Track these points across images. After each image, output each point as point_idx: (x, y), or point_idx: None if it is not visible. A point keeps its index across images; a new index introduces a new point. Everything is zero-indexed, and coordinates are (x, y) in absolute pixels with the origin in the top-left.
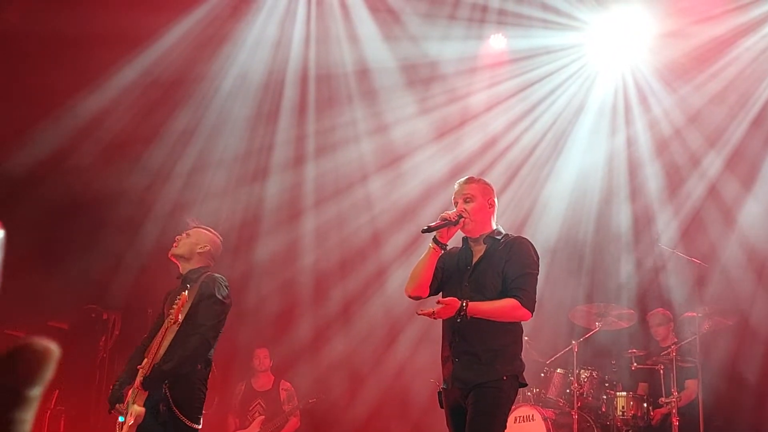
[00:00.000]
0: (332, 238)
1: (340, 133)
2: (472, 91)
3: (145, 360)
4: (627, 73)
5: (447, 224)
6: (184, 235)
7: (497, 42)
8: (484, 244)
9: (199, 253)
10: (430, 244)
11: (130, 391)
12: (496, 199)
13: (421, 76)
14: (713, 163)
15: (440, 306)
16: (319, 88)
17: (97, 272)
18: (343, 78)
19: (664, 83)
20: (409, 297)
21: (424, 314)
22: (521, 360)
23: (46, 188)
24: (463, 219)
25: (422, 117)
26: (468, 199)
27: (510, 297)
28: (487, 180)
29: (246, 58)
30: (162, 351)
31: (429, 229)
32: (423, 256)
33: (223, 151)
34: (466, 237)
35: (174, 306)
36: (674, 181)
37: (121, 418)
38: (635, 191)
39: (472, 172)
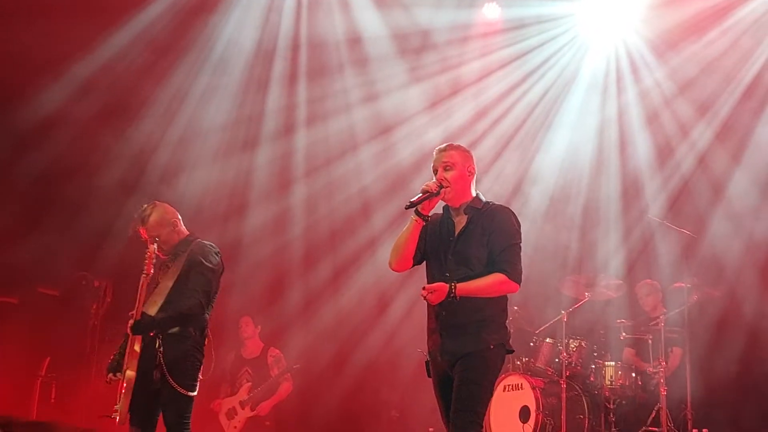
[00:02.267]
0: (322, 208)
1: (331, 102)
2: (465, 60)
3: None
4: (619, 44)
5: (429, 196)
6: (150, 240)
7: (490, 11)
8: (465, 214)
9: (175, 232)
10: (412, 216)
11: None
12: (475, 166)
13: (413, 45)
14: (703, 134)
15: (430, 294)
16: (310, 57)
17: (88, 239)
18: (335, 46)
19: (656, 54)
20: (393, 270)
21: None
22: (507, 328)
23: (36, 155)
24: (444, 189)
25: (414, 86)
26: (448, 167)
27: (497, 272)
28: (468, 148)
29: (236, 25)
30: (141, 306)
31: (411, 205)
32: (405, 228)
33: (213, 119)
34: (447, 206)
35: (145, 261)
36: (664, 152)
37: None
38: (625, 162)
39: (464, 141)
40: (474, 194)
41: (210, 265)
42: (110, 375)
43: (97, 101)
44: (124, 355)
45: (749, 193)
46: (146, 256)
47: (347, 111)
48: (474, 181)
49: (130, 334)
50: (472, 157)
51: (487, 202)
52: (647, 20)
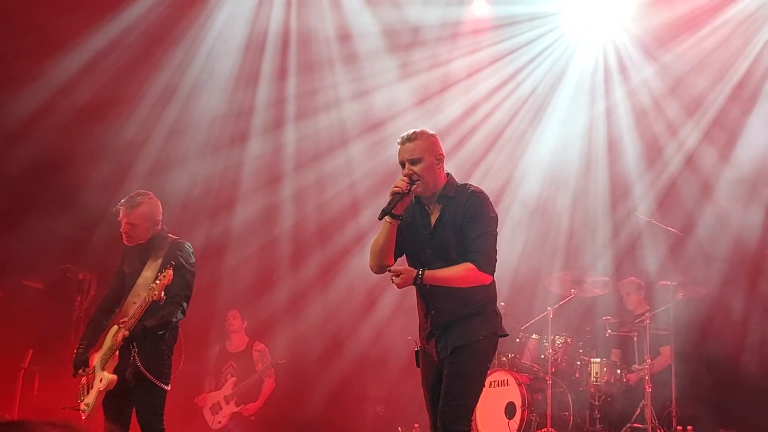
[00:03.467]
0: (312, 203)
1: (321, 97)
2: (454, 57)
3: (124, 320)
4: (608, 42)
5: (401, 198)
6: (126, 225)
7: (479, 8)
8: (439, 203)
9: (153, 228)
10: (386, 219)
11: (95, 355)
12: (442, 148)
13: (402, 41)
14: (691, 133)
15: (396, 278)
16: (300, 52)
17: (73, 232)
18: (325, 42)
19: (645, 52)
20: (376, 273)
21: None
22: (498, 314)
23: (23, 147)
24: (414, 185)
25: (403, 82)
26: (415, 161)
27: (467, 261)
28: (433, 131)
29: (226, 19)
30: (134, 319)
31: (384, 213)
32: (381, 231)
33: (202, 113)
34: (419, 196)
35: (157, 282)
36: (652, 150)
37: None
38: (614, 159)
39: (453, 138)
40: (446, 179)
41: (191, 268)
42: (81, 370)
43: (84, 95)
44: (89, 349)
45: (737, 192)
46: (160, 278)
47: (337, 106)
48: (443, 162)
49: (122, 343)
50: (437, 140)
51: (460, 186)
52: (636, 18)
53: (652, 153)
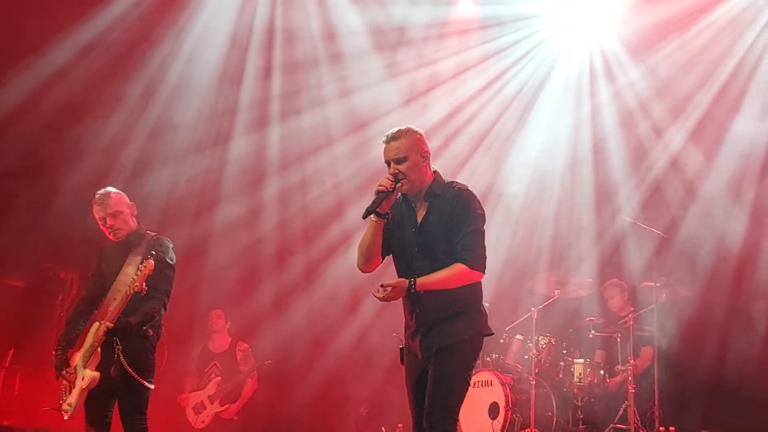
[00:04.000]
0: (296, 203)
1: (306, 96)
2: (440, 57)
3: (105, 317)
4: (594, 43)
5: (386, 196)
6: (108, 219)
7: (466, 8)
8: (425, 201)
9: (132, 217)
10: (372, 217)
11: (76, 355)
12: (428, 145)
13: (388, 41)
14: (677, 135)
15: (389, 291)
16: (284, 51)
17: (55, 231)
18: (310, 41)
19: (631, 54)
20: (364, 272)
21: (377, 297)
22: (483, 312)
23: (3, 148)
24: (400, 183)
25: (389, 82)
26: (400, 160)
27: (458, 261)
28: (419, 129)
29: (210, 16)
30: (116, 312)
31: (369, 212)
32: (367, 230)
33: (184, 113)
34: (405, 194)
35: (138, 273)
36: (638, 152)
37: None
38: (599, 161)
39: (439, 138)
40: (433, 176)
41: (172, 263)
42: (63, 371)
43: (65, 94)
44: (68, 350)
45: (722, 194)
46: (140, 269)
47: (322, 106)
48: (430, 159)
49: (104, 337)
50: (422, 137)
51: (447, 183)
52: (623, 20)
53: (638, 155)
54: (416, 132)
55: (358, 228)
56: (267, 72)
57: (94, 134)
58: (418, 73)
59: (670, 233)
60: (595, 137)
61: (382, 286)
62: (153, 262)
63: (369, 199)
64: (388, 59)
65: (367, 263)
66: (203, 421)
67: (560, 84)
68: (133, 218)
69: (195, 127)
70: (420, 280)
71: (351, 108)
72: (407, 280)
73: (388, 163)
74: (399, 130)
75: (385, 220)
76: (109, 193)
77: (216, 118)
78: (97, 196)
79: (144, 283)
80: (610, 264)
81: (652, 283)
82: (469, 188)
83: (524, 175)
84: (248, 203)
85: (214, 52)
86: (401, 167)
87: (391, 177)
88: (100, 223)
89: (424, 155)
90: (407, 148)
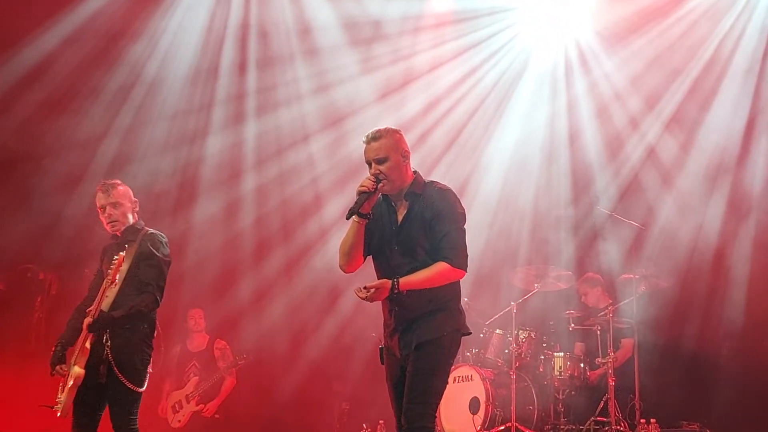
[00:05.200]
0: (274, 198)
1: (282, 92)
2: (416, 51)
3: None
4: (569, 35)
5: (368, 197)
6: (108, 208)
7: (441, 1)
8: (406, 200)
9: (133, 212)
10: (354, 218)
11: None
12: (407, 145)
13: (363, 36)
14: (653, 126)
15: (372, 292)
16: (260, 46)
17: (33, 231)
18: (285, 36)
19: (606, 46)
20: (346, 272)
21: (360, 297)
22: (461, 311)
23: None
24: (380, 185)
25: (365, 77)
26: (381, 160)
27: (440, 260)
28: (398, 128)
29: (186, 13)
30: (104, 308)
31: (352, 213)
32: (348, 230)
33: (161, 108)
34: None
35: (111, 267)
36: (614, 143)
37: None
38: (575, 153)
39: (415, 133)
40: (413, 176)
41: (163, 257)
42: (57, 367)
43: (43, 89)
44: (66, 347)
45: (699, 183)
46: (114, 262)
47: (298, 101)
48: (409, 159)
49: (87, 331)
50: (402, 136)
51: (427, 183)
52: (598, 12)
53: (614, 146)
54: (396, 131)
55: (336, 222)
56: (242, 67)
57: (71, 131)
58: (394, 67)
59: (648, 224)
60: (571, 129)
61: (365, 287)
62: (123, 255)
63: (347, 194)
64: (364, 54)
65: (349, 263)
66: (180, 420)
67: (536, 76)
68: (134, 214)
69: (172, 123)
70: (403, 280)
71: (327, 103)
72: (390, 281)
73: (369, 164)
74: (379, 130)
75: (367, 221)
76: (115, 183)
77: (193, 113)
78: (103, 183)
79: (117, 276)
80: (588, 256)
81: (631, 275)
82: (450, 188)
83: (501, 167)
84: (226, 199)
85: (190, 47)
86: (382, 167)
87: (372, 177)
88: (99, 211)
89: (405, 155)
90: (388, 148)
